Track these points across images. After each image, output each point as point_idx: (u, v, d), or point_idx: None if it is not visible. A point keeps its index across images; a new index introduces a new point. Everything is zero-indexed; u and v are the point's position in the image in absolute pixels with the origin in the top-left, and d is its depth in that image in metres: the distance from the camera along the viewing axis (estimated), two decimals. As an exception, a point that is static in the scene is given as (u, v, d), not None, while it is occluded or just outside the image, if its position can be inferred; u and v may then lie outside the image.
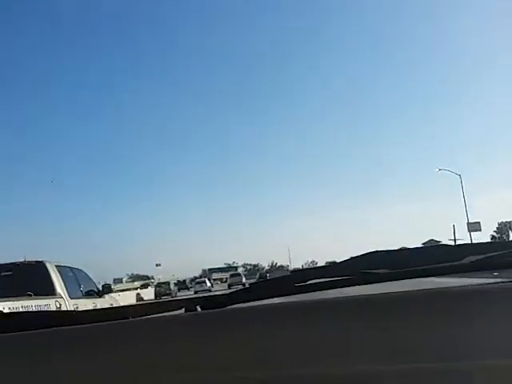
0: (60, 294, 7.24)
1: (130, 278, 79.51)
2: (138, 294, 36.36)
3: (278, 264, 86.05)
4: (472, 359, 0.70)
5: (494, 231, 64.50)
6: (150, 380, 0.75)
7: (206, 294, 1.14)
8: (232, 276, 47.88)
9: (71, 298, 7.42)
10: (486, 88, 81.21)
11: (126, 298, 28.81)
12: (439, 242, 53.73)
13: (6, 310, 5.17)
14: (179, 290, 50.87)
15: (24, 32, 74.33)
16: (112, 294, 10.59)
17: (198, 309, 0.95)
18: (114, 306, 7.18)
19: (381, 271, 0.96)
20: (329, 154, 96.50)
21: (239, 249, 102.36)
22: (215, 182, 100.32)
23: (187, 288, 52.80)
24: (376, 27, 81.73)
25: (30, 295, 6.64)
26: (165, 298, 32.03)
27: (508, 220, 54.70)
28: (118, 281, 74.47)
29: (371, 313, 0.81)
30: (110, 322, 0.91)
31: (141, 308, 1.04)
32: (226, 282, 50.41)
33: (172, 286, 44.93)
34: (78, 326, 0.89)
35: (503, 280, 0.93)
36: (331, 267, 1.02)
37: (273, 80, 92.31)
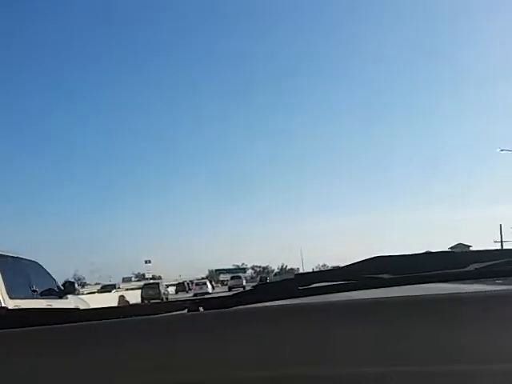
0: None
1: (137, 277, 78.87)
2: (121, 297, 29.45)
3: (289, 267, 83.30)
4: (473, 363, 0.71)
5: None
6: (152, 379, 0.75)
7: (206, 297, 1.14)
8: (232, 278, 47.66)
9: (13, 298, 5.65)
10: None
11: (130, 298, 28.39)
12: (469, 246, 52.35)
13: None
14: (177, 292, 47.79)
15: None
16: (82, 296, 8.83)
17: (201, 309, 0.95)
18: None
19: (384, 276, 0.97)
20: (352, 154, 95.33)
21: (250, 251, 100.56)
22: (226, 182, 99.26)
23: (186, 290, 47.95)
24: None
25: None
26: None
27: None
28: (128, 279, 74.24)
29: (374, 316, 0.82)
30: (113, 320, 0.91)
31: (144, 308, 1.04)
32: (226, 284, 49.33)
33: (163, 288, 37.08)
34: (80, 323, 0.90)
35: (507, 287, 0.93)
36: (335, 271, 1.03)
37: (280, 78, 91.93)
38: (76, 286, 8.59)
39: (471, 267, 0.96)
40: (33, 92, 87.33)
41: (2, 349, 0.84)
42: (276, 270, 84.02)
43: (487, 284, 1.35)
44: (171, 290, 48.32)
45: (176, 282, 56.12)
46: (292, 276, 1.16)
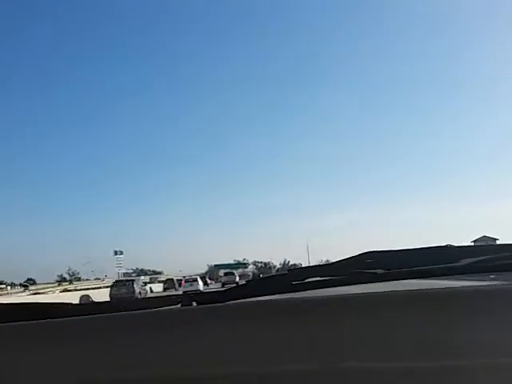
0: None
1: (134, 272, 78.22)
2: (84, 296, 24.42)
3: (292, 262, 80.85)
4: (465, 358, 0.71)
5: None
6: (144, 373, 0.75)
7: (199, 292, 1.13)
8: (226, 275, 47.58)
9: None
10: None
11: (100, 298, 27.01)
12: (495, 239, 51.12)
13: None
14: (165, 289, 42.31)
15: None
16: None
17: (194, 304, 0.95)
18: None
19: (377, 271, 0.97)
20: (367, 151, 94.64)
21: (252, 246, 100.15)
22: (231, 177, 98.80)
23: (175, 288, 42.14)
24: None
25: None
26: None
27: None
28: (127, 275, 73.58)
29: (366, 311, 0.82)
30: (105, 315, 0.90)
31: (137, 302, 1.04)
32: (219, 280, 47.56)
33: (138, 286, 30.24)
34: (72, 318, 0.89)
35: (499, 282, 0.94)
36: (329, 266, 1.03)
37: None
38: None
39: (464, 262, 0.96)
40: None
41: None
42: (278, 266, 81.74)
43: (480, 279, 1.36)
44: (158, 287, 45.19)
45: (163, 279, 51.56)
46: None
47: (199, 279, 38.07)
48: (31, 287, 68.05)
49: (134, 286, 28.56)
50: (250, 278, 39.52)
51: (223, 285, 39.73)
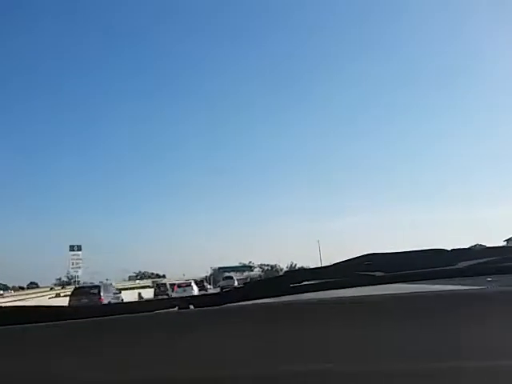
0: None
1: (137, 276, 77.23)
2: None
3: (298, 265, 76.54)
4: (463, 361, 0.71)
5: None
6: (141, 377, 0.75)
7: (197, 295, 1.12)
8: (224, 279, 47.37)
9: None
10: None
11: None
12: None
13: None
14: (156, 295, 35.28)
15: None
16: None
17: (191, 307, 0.95)
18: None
19: (376, 274, 0.97)
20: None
21: (259, 249, 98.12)
22: (240, 179, 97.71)
23: (166, 293, 35.78)
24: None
25: None
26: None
27: None
28: (133, 278, 72.86)
29: (364, 313, 0.82)
30: (102, 318, 0.90)
31: (134, 305, 1.04)
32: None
33: (107, 295, 20.78)
34: (71, 321, 0.89)
35: (497, 285, 0.94)
36: (327, 269, 1.03)
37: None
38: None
39: (462, 265, 0.96)
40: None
41: None
42: (285, 269, 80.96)
43: (478, 282, 1.36)
44: (148, 293, 38.49)
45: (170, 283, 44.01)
46: None
47: (193, 284, 34.21)
48: (29, 291, 67.21)
49: (102, 294, 20.20)
50: (234, 285, 37.34)
51: (221, 289, 39.03)
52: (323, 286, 0.96)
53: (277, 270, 74.78)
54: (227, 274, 51.11)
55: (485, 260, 0.98)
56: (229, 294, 0.99)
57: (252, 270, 66.27)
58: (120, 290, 24.97)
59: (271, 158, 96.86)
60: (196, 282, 37.86)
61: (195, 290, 31.76)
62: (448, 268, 0.97)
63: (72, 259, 46.99)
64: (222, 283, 43.87)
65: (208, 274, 66.08)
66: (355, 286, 0.95)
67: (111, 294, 21.25)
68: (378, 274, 0.97)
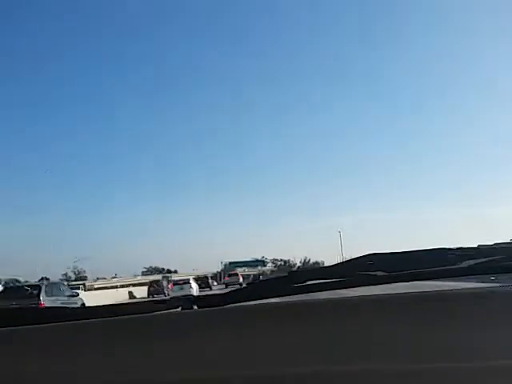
0: None
1: (148, 271, 76.32)
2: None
3: (312, 260, 72.23)
4: (465, 360, 0.71)
5: None
6: (145, 377, 0.75)
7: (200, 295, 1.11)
8: (230, 276, 47.08)
9: None
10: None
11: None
12: None
13: None
14: (150, 294, 32.03)
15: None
16: None
17: (195, 307, 0.95)
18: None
19: (378, 273, 0.97)
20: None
21: (272, 243, 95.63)
22: (249, 174, 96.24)
23: (163, 292, 32.14)
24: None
25: None
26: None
27: None
28: (145, 273, 71.68)
29: (366, 313, 0.82)
30: (104, 319, 0.91)
31: (137, 306, 1.04)
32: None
33: (51, 299, 14.39)
34: (72, 322, 0.89)
35: (500, 284, 0.94)
36: (330, 268, 1.03)
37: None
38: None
39: (464, 264, 0.96)
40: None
41: None
42: (298, 264, 73.41)
43: (480, 281, 1.36)
44: (141, 291, 34.67)
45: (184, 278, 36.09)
46: None
47: (192, 281, 29.87)
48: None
49: (41, 297, 14.48)
50: (239, 282, 35.85)
51: (226, 286, 38.81)
52: (326, 286, 0.96)
53: (290, 266, 71.87)
54: (232, 271, 50.13)
55: (488, 259, 0.98)
56: (232, 294, 0.99)
57: (265, 265, 64.21)
58: (77, 293, 18.16)
59: (285, 154, 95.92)
60: (198, 279, 34.68)
61: (194, 289, 28.13)
62: (451, 267, 0.97)
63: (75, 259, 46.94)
64: (227, 280, 43.34)
65: (219, 270, 63.27)
66: (358, 286, 0.96)
67: (62, 298, 15.82)
68: (379, 273, 0.97)
